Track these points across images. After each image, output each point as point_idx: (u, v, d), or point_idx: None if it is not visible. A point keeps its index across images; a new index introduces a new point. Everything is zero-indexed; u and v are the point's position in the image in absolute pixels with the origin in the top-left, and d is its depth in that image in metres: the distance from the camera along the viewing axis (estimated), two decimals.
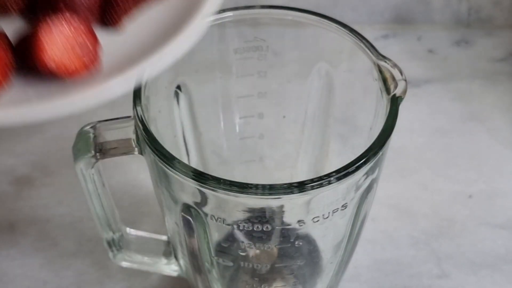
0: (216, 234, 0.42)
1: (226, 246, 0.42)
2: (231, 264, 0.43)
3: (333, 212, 0.38)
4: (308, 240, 0.42)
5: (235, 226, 0.38)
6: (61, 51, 0.24)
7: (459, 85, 0.64)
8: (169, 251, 0.46)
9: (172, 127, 0.45)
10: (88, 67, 0.25)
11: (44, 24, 0.24)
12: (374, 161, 0.36)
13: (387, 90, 0.39)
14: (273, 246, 0.40)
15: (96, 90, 0.24)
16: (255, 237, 0.39)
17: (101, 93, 0.24)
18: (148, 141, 0.37)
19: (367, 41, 0.40)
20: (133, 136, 0.39)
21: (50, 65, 0.24)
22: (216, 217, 0.38)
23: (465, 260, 0.51)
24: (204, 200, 0.37)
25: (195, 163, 0.47)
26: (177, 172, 0.36)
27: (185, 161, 0.44)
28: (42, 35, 0.24)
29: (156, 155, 0.36)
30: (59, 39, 0.24)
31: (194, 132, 0.47)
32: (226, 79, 0.46)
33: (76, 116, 0.63)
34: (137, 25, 0.28)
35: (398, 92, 0.38)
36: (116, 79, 0.24)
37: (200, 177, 0.35)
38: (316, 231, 0.42)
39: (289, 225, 0.39)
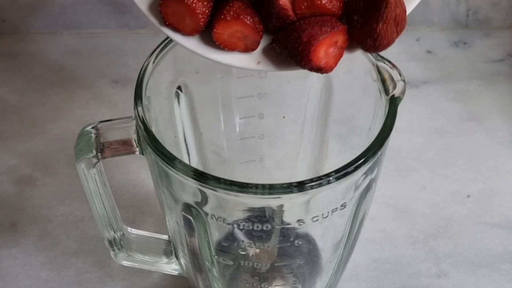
0: (216, 233, 0.42)
1: (227, 245, 0.42)
2: (231, 263, 0.43)
3: (332, 211, 0.38)
4: (307, 239, 0.43)
5: (235, 226, 0.38)
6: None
7: (458, 85, 0.65)
8: (169, 250, 0.46)
9: (172, 127, 0.45)
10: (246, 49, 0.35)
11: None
12: (373, 161, 0.36)
13: (386, 91, 0.39)
14: (273, 245, 0.40)
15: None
16: (255, 236, 0.39)
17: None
18: (149, 141, 0.37)
19: None
20: (134, 136, 0.39)
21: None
22: (216, 217, 0.38)
23: (463, 259, 0.51)
24: (204, 199, 0.37)
25: (195, 163, 0.48)
26: (177, 172, 0.36)
27: (186, 161, 0.44)
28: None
29: (157, 155, 0.36)
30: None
31: (194, 132, 0.47)
32: (227, 80, 0.46)
33: (78, 116, 0.64)
34: None
35: (396, 92, 0.39)
36: None
37: (201, 177, 0.35)
38: (315, 231, 0.42)
39: (288, 224, 0.39)
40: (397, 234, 0.53)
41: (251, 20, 0.34)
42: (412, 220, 0.54)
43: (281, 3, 0.33)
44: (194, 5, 0.34)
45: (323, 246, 0.44)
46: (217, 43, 0.34)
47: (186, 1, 0.33)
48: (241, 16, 0.33)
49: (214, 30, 0.34)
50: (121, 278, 0.51)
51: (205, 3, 0.34)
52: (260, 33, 0.34)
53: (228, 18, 0.33)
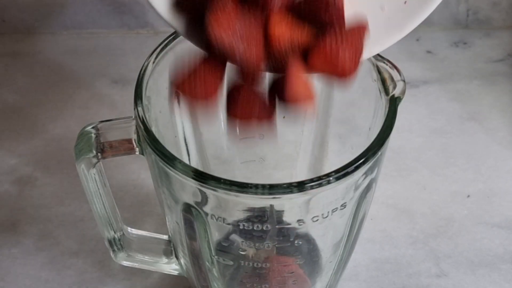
0: (216, 233, 0.42)
1: (226, 245, 0.42)
2: (231, 263, 0.43)
3: (333, 211, 0.38)
4: (307, 239, 0.43)
5: (235, 226, 0.39)
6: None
7: (458, 85, 0.65)
8: (169, 250, 0.46)
9: (172, 127, 0.45)
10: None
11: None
12: (373, 161, 0.36)
13: (386, 91, 0.39)
14: (272, 245, 0.40)
15: None
16: (255, 236, 0.39)
17: None
18: (149, 141, 0.37)
19: None
20: (134, 136, 0.39)
21: None
22: (216, 217, 0.38)
23: (463, 260, 0.51)
24: (204, 199, 0.37)
25: (195, 163, 0.48)
26: (178, 172, 0.36)
27: (186, 161, 0.44)
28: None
29: (157, 155, 0.36)
30: None
31: (194, 132, 0.47)
32: (226, 80, 0.46)
33: (78, 116, 0.64)
34: None
35: (397, 92, 0.39)
36: None
37: (201, 177, 0.35)
38: (315, 231, 0.42)
39: (288, 224, 0.39)
40: (397, 234, 0.53)
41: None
42: (412, 220, 0.54)
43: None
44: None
45: (323, 246, 0.44)
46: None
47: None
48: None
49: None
50: (121, 278, 0.51)
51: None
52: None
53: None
